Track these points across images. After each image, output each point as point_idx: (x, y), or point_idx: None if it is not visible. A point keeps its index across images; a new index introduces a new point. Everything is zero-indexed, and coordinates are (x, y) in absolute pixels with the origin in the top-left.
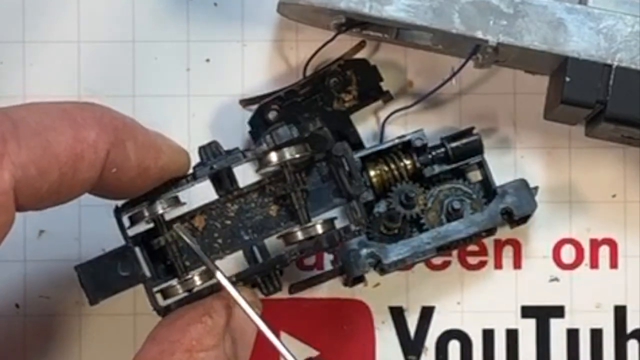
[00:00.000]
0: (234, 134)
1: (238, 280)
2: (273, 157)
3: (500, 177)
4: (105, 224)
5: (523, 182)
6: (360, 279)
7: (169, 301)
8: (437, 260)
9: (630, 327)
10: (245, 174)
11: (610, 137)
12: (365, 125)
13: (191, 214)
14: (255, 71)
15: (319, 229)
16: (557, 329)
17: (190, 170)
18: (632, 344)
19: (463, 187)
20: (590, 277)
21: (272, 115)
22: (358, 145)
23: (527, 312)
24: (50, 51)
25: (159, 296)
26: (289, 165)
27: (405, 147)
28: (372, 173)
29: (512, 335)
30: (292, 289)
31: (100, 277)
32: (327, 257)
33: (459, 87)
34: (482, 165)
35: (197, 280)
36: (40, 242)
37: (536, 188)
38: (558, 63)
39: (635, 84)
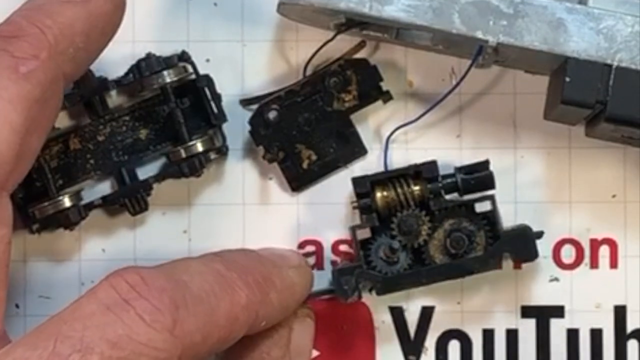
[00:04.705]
0: (234, 134)
1: (105, 202)
2: (154, 79)
3: (500, 177)
4: (105, 225)
5: (527, 230)
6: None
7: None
8: None
9: (630, 327)
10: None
11: (610, 137)
12: (365, 125)
13: (65, 137)
14: (255, 71)
15: (199, 147)
16: (557, 329)
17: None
18: (632, 344)
19: (468, 226)
20: (590, 277)
21: (272, 115)
22: (358, 145)
23: (527, 312)
24: None
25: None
26: (169, 87)
27: (416, 173)
28: (378, 195)
29: (512, 335)
30: None
31: None
32: (327, 258)
33: (459, 87)
34: (491, 199)
35: (67, 202)
36: (40, 242)
37: (540, 233)
38: (558, 63)
39: (635, 84)
